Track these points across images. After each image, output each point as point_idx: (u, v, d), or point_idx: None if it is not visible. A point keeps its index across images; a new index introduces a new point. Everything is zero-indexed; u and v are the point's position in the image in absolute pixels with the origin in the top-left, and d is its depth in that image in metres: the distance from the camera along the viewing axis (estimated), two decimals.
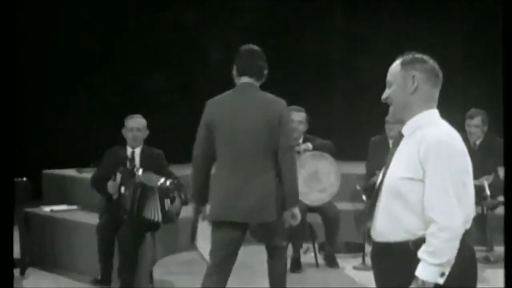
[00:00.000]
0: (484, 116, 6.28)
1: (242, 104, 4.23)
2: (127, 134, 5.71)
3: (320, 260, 6.05)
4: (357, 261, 5.95)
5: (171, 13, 9.13)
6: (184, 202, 5.53)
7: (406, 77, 2.58)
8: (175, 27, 9.18)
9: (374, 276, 2.67)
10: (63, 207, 6.67)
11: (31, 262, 6.13)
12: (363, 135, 6.63)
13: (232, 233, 4.20)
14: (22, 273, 5.99)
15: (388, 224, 2.53)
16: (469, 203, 2.49)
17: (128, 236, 5.38)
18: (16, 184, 5.83)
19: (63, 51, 8.84)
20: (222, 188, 4.20)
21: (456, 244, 2.39)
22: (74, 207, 6.69)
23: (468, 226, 2.50)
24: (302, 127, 6.01)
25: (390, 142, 6.46)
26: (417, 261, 2.41)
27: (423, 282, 2.38)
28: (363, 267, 5.78)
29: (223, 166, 4.23)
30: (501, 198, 5.94)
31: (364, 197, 6.07)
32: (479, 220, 5.99)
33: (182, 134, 8.82)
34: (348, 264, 5.92)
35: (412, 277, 2.40)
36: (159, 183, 5.32)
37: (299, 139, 5.97)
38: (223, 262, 4.21)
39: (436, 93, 2.62)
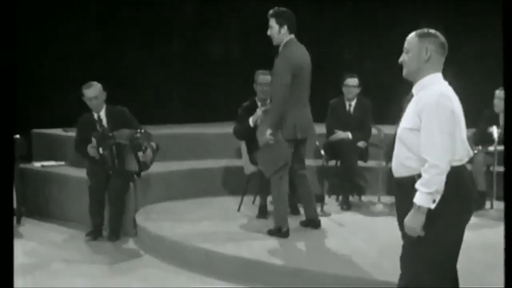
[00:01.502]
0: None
1: (300, 53, 5.61)
2: (87, 102, 6.24)
3: None
4: (317, 209, 6.52)
5: None
6: (156, 150, 6.11)
7: (421, 48, 3.18)
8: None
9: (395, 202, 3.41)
10: (52, 163, 7.25)
11: (26, 212, 6.75)
12: (323, 98, 7.20)
13: (291, 148, 5.61)
14: (18, 221, 6.60)
15: (398, 163, 3.23)
16: (459, 147, 3.11)
17: (117, 187, 6.02)
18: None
19: (55, 16, 8.99)
20: (291, 115, 5.50)
21: (442, 178, 3.02)
22: (62, 162, 7.27)
23: (465, 160, 3.18)
24: (269, 89, 6.42)
25: (347, 104, 7.15)
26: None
27: (419, 207, 3.05)
28: (321, 214, 6.36)
29: (292, 99, 5.47)
30: None
31: (323, 152, 6.70)
32: None
33: (155, 98, 9.31)
34: None
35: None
36: (129, 139, 5.89)
37: (267, 100, 6.47)
38: (284, 169, 5.60)
39: (442, 60, 3.22)
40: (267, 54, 9.39)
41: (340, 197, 7.04)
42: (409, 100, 3.25)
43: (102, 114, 6.28)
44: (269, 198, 6.48)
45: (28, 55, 9.01)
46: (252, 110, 6.53)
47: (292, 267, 4.83)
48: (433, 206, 3.04)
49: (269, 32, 5.58)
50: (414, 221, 3.08)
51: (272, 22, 5.54)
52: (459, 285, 3.33)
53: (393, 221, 5.76)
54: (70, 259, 5.51)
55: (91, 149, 6.04)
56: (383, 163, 6.97)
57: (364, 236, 5.67)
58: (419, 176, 3.07)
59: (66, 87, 8.94)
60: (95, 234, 6.04)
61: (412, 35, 3.25)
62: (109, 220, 6.08)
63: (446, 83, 3.21)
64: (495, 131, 6.54)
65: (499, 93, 6.70)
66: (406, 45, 3.25)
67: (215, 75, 9.74)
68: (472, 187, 3.27)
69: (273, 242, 5.44)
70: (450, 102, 3.10)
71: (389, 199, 6.97)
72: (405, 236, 3.24)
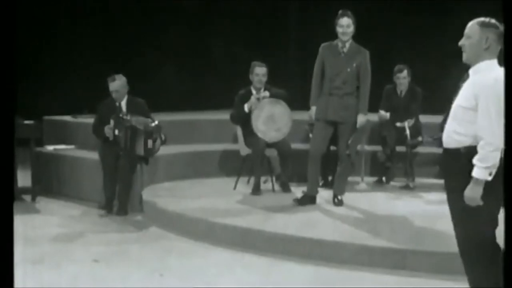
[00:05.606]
0: (408, 69, 7.41)
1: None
2: (111, 93, 6.80)
3: (277, 187, 7.19)
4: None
5: None
6: (164, 142, 6.73)
7: (482, 36, 3.46)
8: None
9: (442, 171, 3.87)
10: (63, 146, 7.85)
11: (40, 191, 7.30)
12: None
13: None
14: (34, 199, 7.20)
15: (447, 136, 3.55)
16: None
17: (126, 167, 6.59)
18: (28, 126, 7.03)
19: (61, 6, 9.62)
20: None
21: (497, 154, 3.30)
22: (72, 146, 7.86)
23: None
24: (264, 79, 7.10)
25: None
26: (463, 160, 3.41)
27: (477, 180, 3.34)
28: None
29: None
30: (420, 139, 7.20)
31: (311, 136, 7.24)
32: (403, 157, 7.32)
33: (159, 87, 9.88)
34: (298, 190, 6.91)
35: (460, 169, 3.41)
36: (144, 126, 6.49)
37: (261, 88, 7.10)
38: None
39: (499, 48, 3.47)
40: (261, 46, 10.05)
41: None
42: (464, 80, 3.57)
43: (123, 102, 6.81)
44: (263, 179, 7.12)
45: (39, 50, 9.56)
46: (246, 97, 7.11)
47: (282, 233, 5.43)
48: (489, 178, 3.34)
49: (349, 29, 6.21)
50: (474, 192, 3.37)
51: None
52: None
53: (373, 197, 6.57)
54: (87, 230, 6.11)
55: (107, 130, 6.57)
56: (365, 147, 7.57)
57: (351, 209, 6.32)
58: (465, 148, 3.42)
59: (73, 78, 9.58)
60: (107, 207, 6.62)
61: (474, 22, 3.52)
62: (118, 196, 6.65)
63: (500, 69, 3.40)
64: None
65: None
66: (467, 31, 3.53)
67: (213, 66, 10.38)
68: None
69: (265, 214, 6.06)
70: (502, 88, 3.34)
71: (371, 179, 7.68)
72: (453, 204, 3.55)
